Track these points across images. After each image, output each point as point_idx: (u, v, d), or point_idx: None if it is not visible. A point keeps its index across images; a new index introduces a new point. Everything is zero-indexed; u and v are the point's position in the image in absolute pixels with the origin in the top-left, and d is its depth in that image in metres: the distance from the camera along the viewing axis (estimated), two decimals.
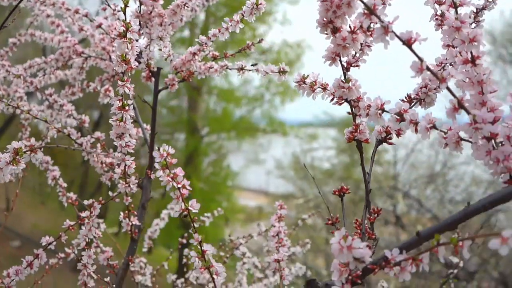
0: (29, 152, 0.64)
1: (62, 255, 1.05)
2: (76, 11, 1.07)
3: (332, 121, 10.59)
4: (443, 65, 0.67)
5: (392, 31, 0.49)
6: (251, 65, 0.90)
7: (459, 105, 0.50)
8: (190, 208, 0.61)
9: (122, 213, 0.94)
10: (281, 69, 0.82)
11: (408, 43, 0.49)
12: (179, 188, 0.60)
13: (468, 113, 0.49)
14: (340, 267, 0.52)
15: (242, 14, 0.82)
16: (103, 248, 0.99)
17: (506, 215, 6.25)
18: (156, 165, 0.59)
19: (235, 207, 10.34)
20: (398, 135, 0.65)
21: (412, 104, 0.67)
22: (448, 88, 0.50)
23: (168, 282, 1.31)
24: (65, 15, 1.12)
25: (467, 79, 0.52)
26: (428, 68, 0.49)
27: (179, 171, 0.60)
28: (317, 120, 10.37)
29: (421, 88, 0.66)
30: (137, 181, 0.89)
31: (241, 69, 0.91)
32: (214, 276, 0.62)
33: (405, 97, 0.67)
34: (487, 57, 0.54)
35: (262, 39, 0.96)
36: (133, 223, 0.95)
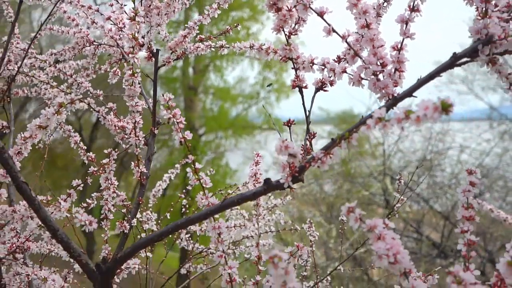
0: (70, 104, 0.91)
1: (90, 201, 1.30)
2: (89, 7, 1.34)
3: (327, 116, 10.87)
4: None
5: (310, 7, 0.75)
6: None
7: (355, 54, 0.77)
8: (185, 136, 0.87)
9: (133, 163, 1.21)
10: (251, 45, 1.09)
11: (321, 14, 0.76)
12: (178, 123, 0.86)
13: (360, 58, 0.76)
14: (283, 164, 0.78)
15: (219, 3, 1.09)
16: (119, 193, 1.25)
17: (491, 195, 6.54)
18: (162, 106, 0.86)
19: None
20: (331, 84, 0.92)
21: (341, 62, 0.93)
22: (347, 43, 0.76)
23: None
24: (80, 11, 1.38)
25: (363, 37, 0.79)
26: (333, 30, 0.76)
27: (178, 111, 0.87)
28: (313, 116, 10.64)
29: (346, 49, 0.93)
30: (144, 135, 1.16)
31: (221, 46, 1.18)
32: (204, 185, 0.89)
33: (336, 57, 0.94)
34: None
35: (238, 24, 1.22)
36: (142, 170, 1.21)
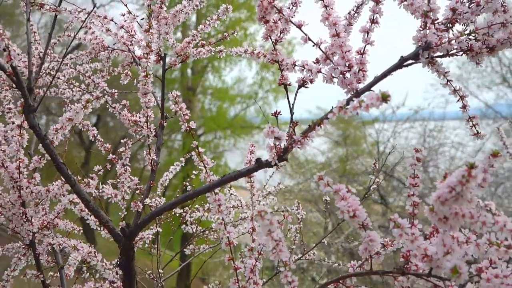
0: (96, 100, 1.10)
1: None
2: (105, 17, 1.53)
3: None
4: None
5: (290, 21, 0.95)
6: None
7: (326, 57, 0.96)
8: (190, 125, 1.07)
9: (145, 151, 1.40)
10: (245, 50, 1.28)
11: (299, 26, 0.96)
12: (184, 114, 1.06)
13: (331, 61, 0.96)
14: (270, 146, 0.98)
15: (218, 15, 1.29)
16: (132, 178, 1.45)
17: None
18: (170, 101, 1.05)
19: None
20: (311, 82, 1.12)
21: (319, 64, 1.13)
22: (320, 49, 0.96)
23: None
24: (96, 21, 1.57)
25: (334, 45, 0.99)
26: (309, 39, 0.95)
27: (183, 105, 1.06)
28: (311, 115, 10.88)
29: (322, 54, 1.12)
30: (155, 127, 1.35)
31: (220, 51, 1.38)
32: (206, 165, 1.08)
33: (315, 59, 1.13)
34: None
35: (234, 31, 1.42)
36: (153, 158, 1.41)
